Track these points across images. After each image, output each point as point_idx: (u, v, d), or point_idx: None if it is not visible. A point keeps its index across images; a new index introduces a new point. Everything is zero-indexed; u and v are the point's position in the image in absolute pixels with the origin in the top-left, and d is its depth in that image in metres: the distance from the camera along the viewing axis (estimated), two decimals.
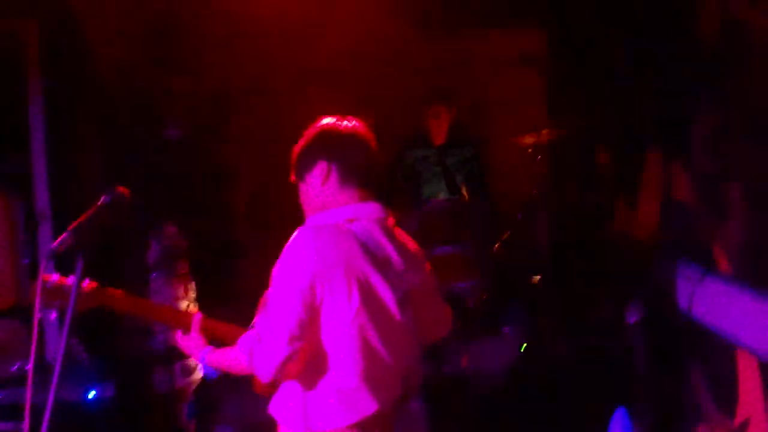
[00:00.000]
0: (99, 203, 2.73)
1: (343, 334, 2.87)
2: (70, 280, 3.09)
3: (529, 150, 6.33)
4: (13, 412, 4.74)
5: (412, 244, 3.21)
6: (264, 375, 2.86)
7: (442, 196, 6.50)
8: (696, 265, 5.04)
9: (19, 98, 5.65)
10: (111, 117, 5.93)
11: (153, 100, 5.96)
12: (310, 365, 2.90)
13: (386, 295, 2.96)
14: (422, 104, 6.60)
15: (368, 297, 2.90)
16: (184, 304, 5.69)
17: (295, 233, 2.95)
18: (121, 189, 2.79)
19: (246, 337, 2.92)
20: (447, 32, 6.95)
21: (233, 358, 2.99)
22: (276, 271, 2.92)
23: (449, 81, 6.94)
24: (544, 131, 6.24)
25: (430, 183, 6.58)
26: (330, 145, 3.09)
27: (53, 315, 3.09)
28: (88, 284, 3.13)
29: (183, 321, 3.27)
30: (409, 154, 6.63)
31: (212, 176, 6.15)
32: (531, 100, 7.18)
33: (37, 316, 2.62)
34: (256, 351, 2.85)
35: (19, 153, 5.64)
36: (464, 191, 6.52)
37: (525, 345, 5.54)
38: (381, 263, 2.97)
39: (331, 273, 2.84)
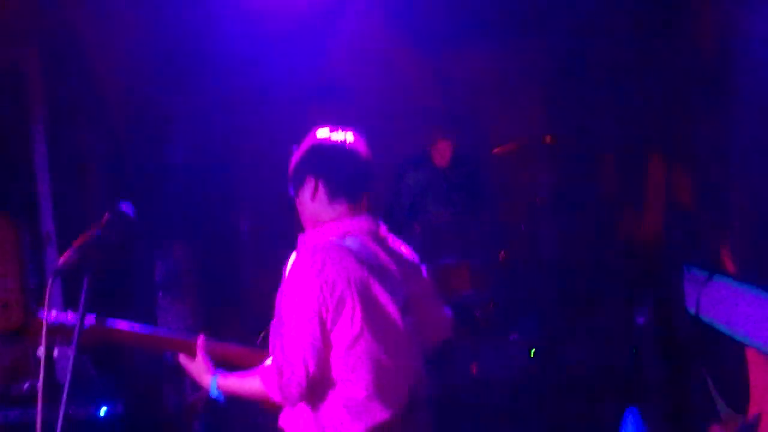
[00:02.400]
0: (103, 220, 2.74)
1: (350, 349, 2.89)
2: (70, 315, 3.08)
3: (508, 152, 6.34)
4: (25, 431, 4.75)
5: (407, 251, 3.22)
6: (291, 403, 2.94)
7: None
8: (702, 267, 5.05)
9: (22, 122, 5.69)
10: (114, 139, 5.96)
11: (156, 122, 5.99)
12: (328, 376, 2.93)
13: (388, 305, 2.97)
14: (425, 139, 6.60)
15: (371, 311, 2.92)
16: (190, 322, 5.70)
17: (293, 256, 2.97)
18: (124, 206, 2.80)
19: (267, 372, 2.93)
20: (447, 50, 6.96)
21: (252, 389, 3.01)
22: (281, 299, 2.94)
23: (451, 98, 6.95)
24: (547, 137, 6.22)
25: (435, 201, 6.59)
26: (317, 160, 3.08)
27: (55, 352, 3.05)
28: (87, 322, 3.03)
29: (187, 346, 3.24)
30: (413, 174, 6.64)
31: (216, 196, 6.16)
32: (533, 112, 7.19)
33: (43, 348, 2.61)
34: (280, 385, 2.87)
35: (24, 176, 5.67)
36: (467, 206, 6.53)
37: (534, 350, 5.53)
38: (379, 274, 2.98)
39: (334, 294, 2.86)
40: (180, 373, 5.17)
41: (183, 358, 3.24)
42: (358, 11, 6.27)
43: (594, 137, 6.44)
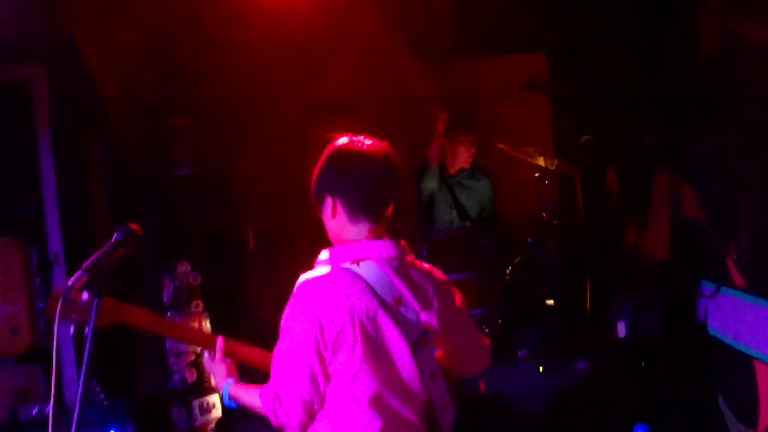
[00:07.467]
0: (112, 240, 2.75)
1: (350, 383, 2.81)
2: (86, 295, 3.05)
3: (537, 174, 6.27)
4: None
5: (435, 279, 3.05)
6: (290, 430, 2.89)
7: (454, 223, 6.48)
8: (709, 280, 5.04)
9: (29, 143, 5.71)
10: (121, 157, 5.97)
11: (162, 139, 6.00)
12: (328, 409, 2.88)
13: (396, 339, 2.85)
14: (450, 131, 6.46)
15: (374, 345, 2.82)
16: None
17: (297, 284, 2.87)
18: (133, 225, 2.81)
19: (265, 393, 2.90)
20: (452, 60, 6.96)
21: (254, 405, 2.99)
22: (282, 325, 2.86)
23: (455, 108, 6.92)
24: (554, 159, 6.17)
25: (443, 211, 6.55)
26: (333, 177, 2.95)
27: (71, 329, 3.04)
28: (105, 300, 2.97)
29: (208, 342, 3.26)
30: (422, 182, 6.57)
31: (222, 212, 6.15)
32: (538, 125, 7.19)
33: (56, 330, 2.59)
34: (278, 411, 2.85)
35: (31, 198, 5.69)
36: (475, 219, 6.50)
37: (542, 367, 5.50)
38: (390, 305, 2.86)
39: (333, 328, 2.77)
40: (188, 395, 5.20)
41: (207, 356, 3.25)
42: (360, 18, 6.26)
43: (599, 151, 6.43)
